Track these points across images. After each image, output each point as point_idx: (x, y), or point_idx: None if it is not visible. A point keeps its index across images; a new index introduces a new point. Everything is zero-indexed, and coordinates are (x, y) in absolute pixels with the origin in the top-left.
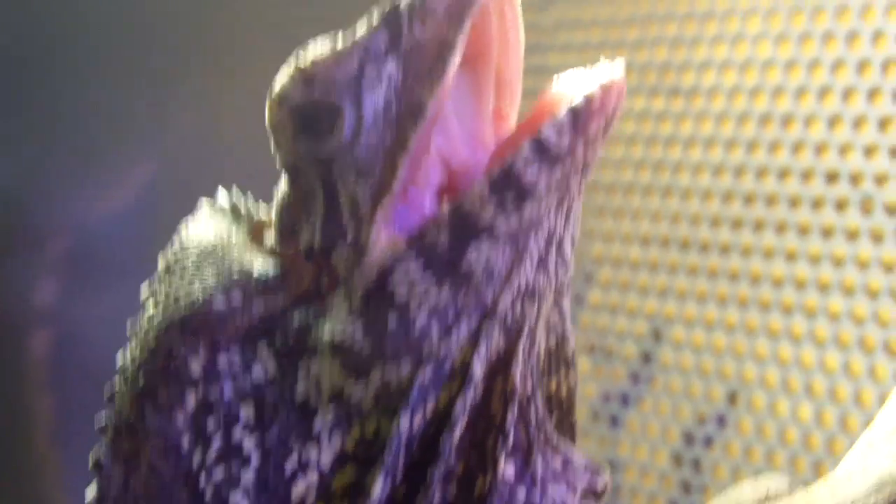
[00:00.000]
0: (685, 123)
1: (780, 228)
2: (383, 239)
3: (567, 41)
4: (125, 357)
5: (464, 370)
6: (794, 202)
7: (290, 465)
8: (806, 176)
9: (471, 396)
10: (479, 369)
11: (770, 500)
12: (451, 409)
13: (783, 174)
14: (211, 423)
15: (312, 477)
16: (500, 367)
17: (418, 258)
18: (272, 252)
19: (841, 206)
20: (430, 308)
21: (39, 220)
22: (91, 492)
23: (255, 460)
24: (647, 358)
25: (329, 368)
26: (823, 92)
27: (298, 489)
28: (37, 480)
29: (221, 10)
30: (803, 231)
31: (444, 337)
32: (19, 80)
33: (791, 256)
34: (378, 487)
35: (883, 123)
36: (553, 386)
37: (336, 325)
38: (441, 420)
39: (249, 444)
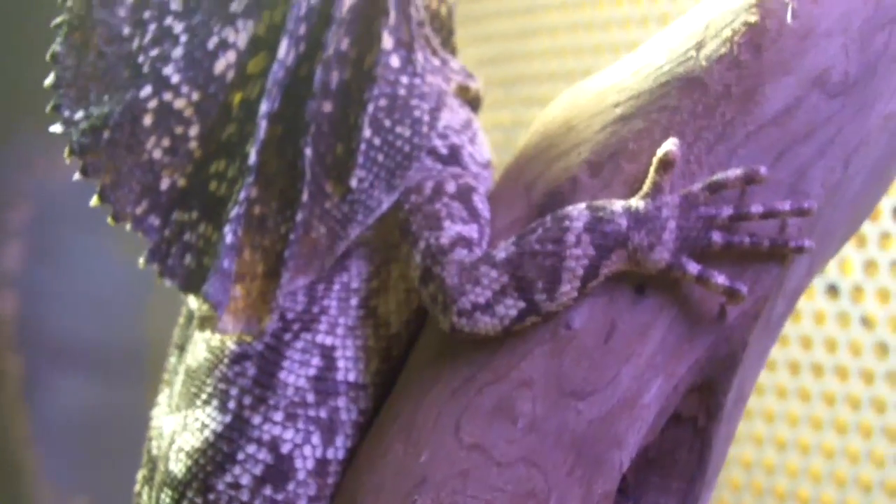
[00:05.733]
0: None
1: None
2: None
3: None
4: None
5: None
6: None
7: (212, 43)
8: None
9: None
10: None
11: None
12: None
13: None
14: (147, 13)
15: (231, 56)
16: None
17: None
18: None
19: None
20: None
21: (3, 186)
22: (49, 79)
23: (182, 39)
24: None
25: None
26: None
27: (220, 64)
28: (4, 436)
29: None
30: None
31: None
32: None
33: None
34: (283, 49)
35: None
36: (434, 3)
37: None
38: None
39: (179, 27)
